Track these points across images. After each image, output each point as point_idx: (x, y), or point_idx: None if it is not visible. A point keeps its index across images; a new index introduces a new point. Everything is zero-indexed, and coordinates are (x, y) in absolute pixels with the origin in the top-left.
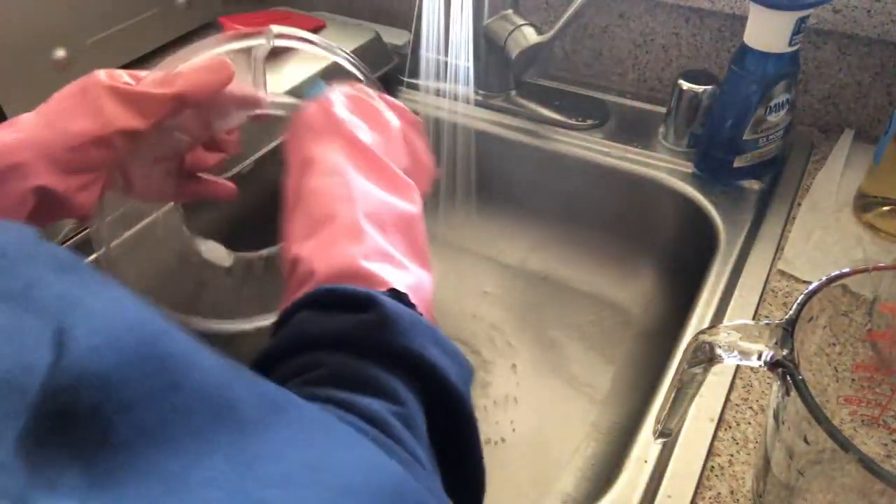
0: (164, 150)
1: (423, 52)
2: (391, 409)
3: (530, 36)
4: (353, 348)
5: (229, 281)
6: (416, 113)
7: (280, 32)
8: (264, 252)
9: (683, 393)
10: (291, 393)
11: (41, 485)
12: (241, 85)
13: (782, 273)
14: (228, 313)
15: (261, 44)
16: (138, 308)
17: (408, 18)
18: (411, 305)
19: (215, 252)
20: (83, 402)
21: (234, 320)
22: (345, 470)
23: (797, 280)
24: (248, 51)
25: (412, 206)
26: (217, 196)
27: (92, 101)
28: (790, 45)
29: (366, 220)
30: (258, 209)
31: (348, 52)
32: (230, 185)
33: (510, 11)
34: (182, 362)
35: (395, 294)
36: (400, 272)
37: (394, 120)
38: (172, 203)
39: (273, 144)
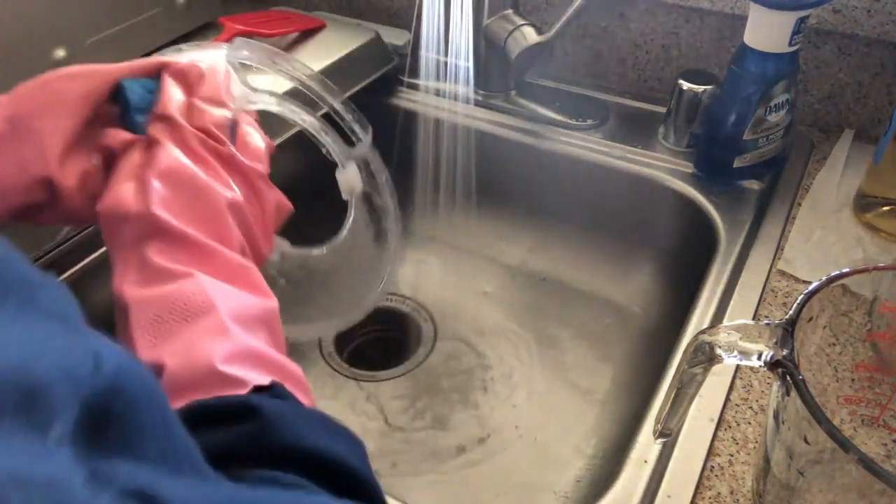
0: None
1: (423, 52)
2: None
3: (530, 36)
4: (244, 462)
5: None
6: (416, 113)
7: (241, 52)
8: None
9: (683, 393)
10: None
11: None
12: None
13: (782, 273)
14: None
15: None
16: (115, 350)
17: (408, 18)
18: (288, 395)
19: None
20: (114, 408)
21: None
22: None
23: (797, 280)
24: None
25: (268, 299)
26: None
27: None
28: (790, 45)
29: (230, 321)
30: None
31: (308, 73)
32: None
33: (510, 11)
34: (158, 393)
35: (269, 388)
36: (270, 366)
37: (225, 191)
38: None
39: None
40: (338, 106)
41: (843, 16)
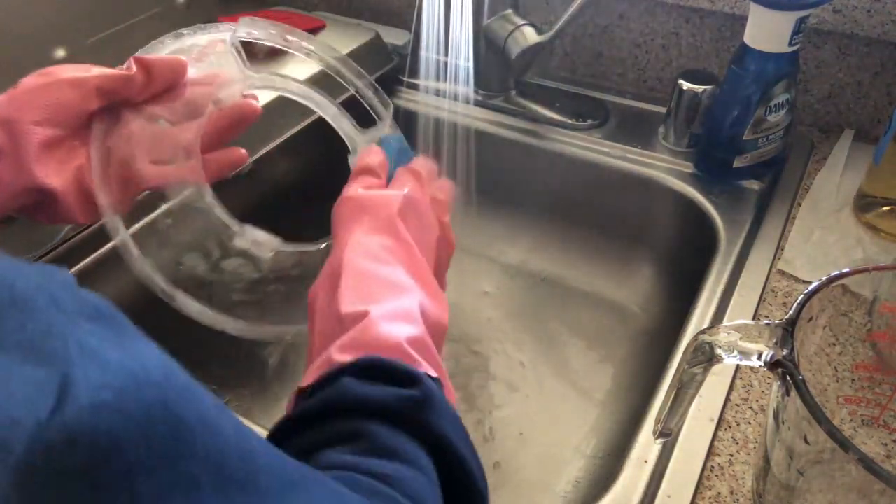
0: (152, 138)
1: (423, 52)
2: (420, 482)
3: (530, 36)
4: (393, 420)
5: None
6: (416, 113)
7: (247, 29)
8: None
9: (683, 393)
10: (309, 468)
11: None
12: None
13: (782, 273)
14: (250, 313)
15: (224, 37)
16: (161, 364)
17: (408, 18)
18: (445, 395)
19: (258, 239)
20: (76, 460)
21: (254, 324)
22: None
23: (797, 280)
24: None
25: (444, 319)
26: (235, 163)
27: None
28: (790, 45)
29: (419, 311)
30: (260, 207)
31: (327, 51)
32: (241, 149)
33: (510, 11)
34: (199, 428)
35: (434, 380)
36: (437, 367)
37: (436, 229)
38: (200, 186)
39: (272, 145)
40: (357, 82)
41: (843, 16)
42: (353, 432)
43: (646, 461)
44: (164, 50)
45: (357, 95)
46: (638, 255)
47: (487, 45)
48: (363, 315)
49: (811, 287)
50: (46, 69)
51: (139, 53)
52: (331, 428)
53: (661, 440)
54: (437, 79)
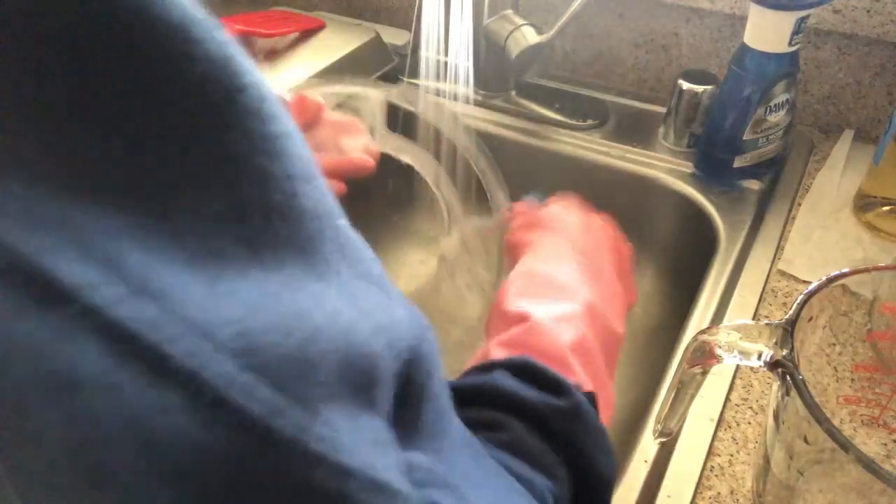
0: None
1: (423, 52)
2: (553, 491)
3: (530, 36)
4: (538, 425)
5: None
6: (416, 113)
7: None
8: None
9: (683, 393)
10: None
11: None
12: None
13: (782, 273)
14: None
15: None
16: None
17: (408, 18)
18: (595, 409)
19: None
20: (415, 379)
21: None
22: None
23: (797, 280)
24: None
25: (621, 327)
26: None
27: None
28: (790, 45)
29: (587, 313)
30: None
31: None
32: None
33: (510, 11)
34: (434, 360)
35: (586, 394)
36: (595, 374)
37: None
38: None
39: None
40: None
41: (843, 16)
42: (497, 422)
43: (646, 461)
44: (321, 89)
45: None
46: (638, 255)
47: (487, 45)
48: (525, 317)
49: (811, 287)
50: None
51: (296, 88)
52: (477, 412)
53: (661, 440)
54: (438, 79)
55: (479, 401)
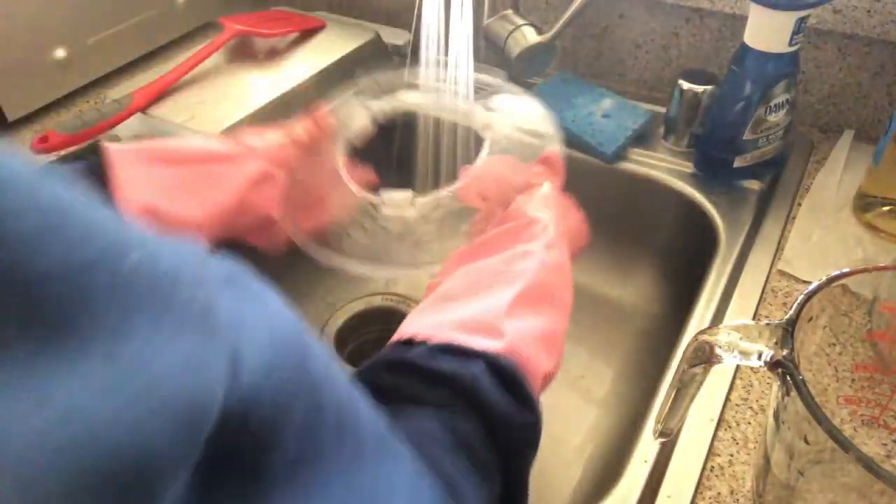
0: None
1: (423, 52)
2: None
3: (530, 36)
4: (496, 432)
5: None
6: (416, 113)
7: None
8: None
9: (683, 393)
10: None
11: None
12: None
13: (782, 273)
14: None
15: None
16: (290, 319)
17: (408, 18)
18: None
19: (396, 199)
20: (249, 428)
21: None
22: None
23: (797, 280)
24: None
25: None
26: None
27: None
28: (790, 45)
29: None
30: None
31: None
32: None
33: (510, 11)
34: (323, 380)
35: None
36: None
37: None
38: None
39: None
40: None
41: (843, 16)
42: (457, 411)
43: (646, 461)
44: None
45: None
46: (638, 255)
47: (487, 45)
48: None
49: (811, 287)
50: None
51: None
52: (438, 393)
53: (661, 440)
54: (437, 79)
55: (448, 386)
